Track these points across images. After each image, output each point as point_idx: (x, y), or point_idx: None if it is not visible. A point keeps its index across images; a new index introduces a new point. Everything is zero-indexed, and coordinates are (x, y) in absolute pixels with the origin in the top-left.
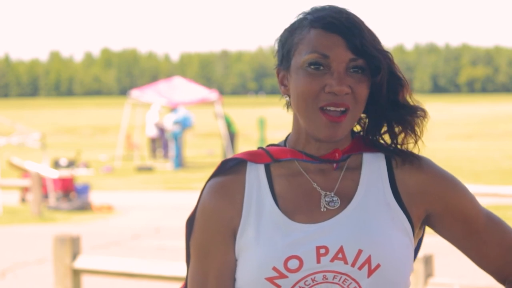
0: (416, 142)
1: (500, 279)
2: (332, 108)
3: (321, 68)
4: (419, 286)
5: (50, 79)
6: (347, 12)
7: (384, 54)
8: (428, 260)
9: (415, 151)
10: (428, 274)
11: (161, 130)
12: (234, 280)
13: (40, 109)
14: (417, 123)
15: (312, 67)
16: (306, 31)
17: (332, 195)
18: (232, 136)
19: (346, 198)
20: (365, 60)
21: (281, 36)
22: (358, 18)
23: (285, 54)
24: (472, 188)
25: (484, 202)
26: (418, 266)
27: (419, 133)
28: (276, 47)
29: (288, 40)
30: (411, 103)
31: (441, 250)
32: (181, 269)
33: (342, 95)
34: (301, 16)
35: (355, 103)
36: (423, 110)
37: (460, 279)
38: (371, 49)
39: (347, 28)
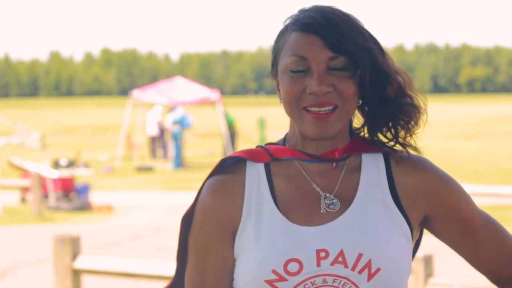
0: (410, 136)
1: (494, 280)
2: (316, 109)
3: (303, 71)
4: (419, 286)
5: (50, 79)
6: (326, 10)
7: (365, 49)
8: (428, 260)
9: (413, 148)
10: (428, 274)
11: (161, 130)
12: (232, 279)
13: (40, 109)
14: (408, 118)
15: (294, 70)
16: (288, 35)
17: (332, 197)
18: (232, 136)
19: (345, 200)
20: (345, 57)
21: (274, 41)
22: (338, 16)
23: (273, 60)
24: (472, 188)
25: (484, 202)
26: (418, 266)
27: (412, 128)
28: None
29: (275, 46)
30: (405, 98)
31: (441, 250)
32: None
33: (323, 95)
34: (288, 20)
35: (343, 99)
36: (415, 105)
37: (460, 279)
38: (349, 46)
39: (322, 27)
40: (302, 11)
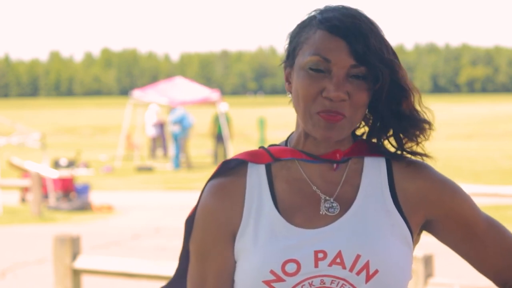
0: (417, 145)
1: (499, 284)
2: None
3: (322, 71)
4: (419, 286)
5: (50, 79)
6: (356, 16)
7: (388, 63)
8: (428, 260)
9: (419, 158)
10: (428, 274)
11: (161, 130)
12: (233, 282)
13: (40, 109)
14: (420, 136)
15: (313, 69)
16: (313, 31)
17: (332, 200)
18: (223, 137)
19: (345, 203)
20: (366, 67)
21: (292, 31)
22: (368, 24)
23: (291, 51)
24: (472, 188)
25: (484, 202)
26: (418, 266)
27: (421, 144)
28: (287, 41)
29: (296, 37)
30: (418, 113)
31: (441, 250)
32: None
33: (338, 101)
34: (313, 13)
35: (353, 110)
36: (428, 123)
37: (460, 279)
38: (373, 58)
39: (351, 33)
40: (330, 10)
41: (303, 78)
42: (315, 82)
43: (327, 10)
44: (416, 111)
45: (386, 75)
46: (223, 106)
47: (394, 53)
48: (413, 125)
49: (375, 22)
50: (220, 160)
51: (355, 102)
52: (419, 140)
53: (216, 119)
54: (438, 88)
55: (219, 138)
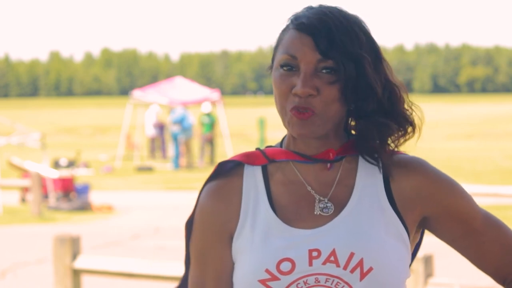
0: (383, 148)
1: (498, 280)
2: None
3: (293, 69)
4: (419, 286)
5: (50, 79)
6: (326, 13)
7: (353, 57)
8: (428, 260)
9: (409, 154)
10: (428, 274)
11: (161, 130)
12: (232, 283)
13: (40, 109)
14: (382, 135)
15: (284, 68)
16: (287, 32)
17: (326, 201)
18: (212, 139)
19: (340, 203)
20: (333, 61)
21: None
22: (336, 18)
23: (273, 55)
24: (472, 188)
25: (484, 202)
26: (418, 266)
27: (384, 144)
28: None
29: (276, 41)
30: (384, 114)
31: (441, 250)
32: (180, 269)
33: (306, 97)
34: (292, 16)
35: (323, 104)
36: (388, 124)
37: (460, 279)
38: (336, 51)
39: (315, 28)
40: (305, 10)
41: (275, 77)
42: (286, 80)
43: (302, 10)
44: (386, 112)
45: (350, 69)
46: (206, 107)
47: (370, 47)
48: (376, 124)
49: (354, 18)
50: (215, 160)
51: (325, 96)
52: (383, 142)
53: (202, 120)
54: (438, 88)
55: (206, 138)
